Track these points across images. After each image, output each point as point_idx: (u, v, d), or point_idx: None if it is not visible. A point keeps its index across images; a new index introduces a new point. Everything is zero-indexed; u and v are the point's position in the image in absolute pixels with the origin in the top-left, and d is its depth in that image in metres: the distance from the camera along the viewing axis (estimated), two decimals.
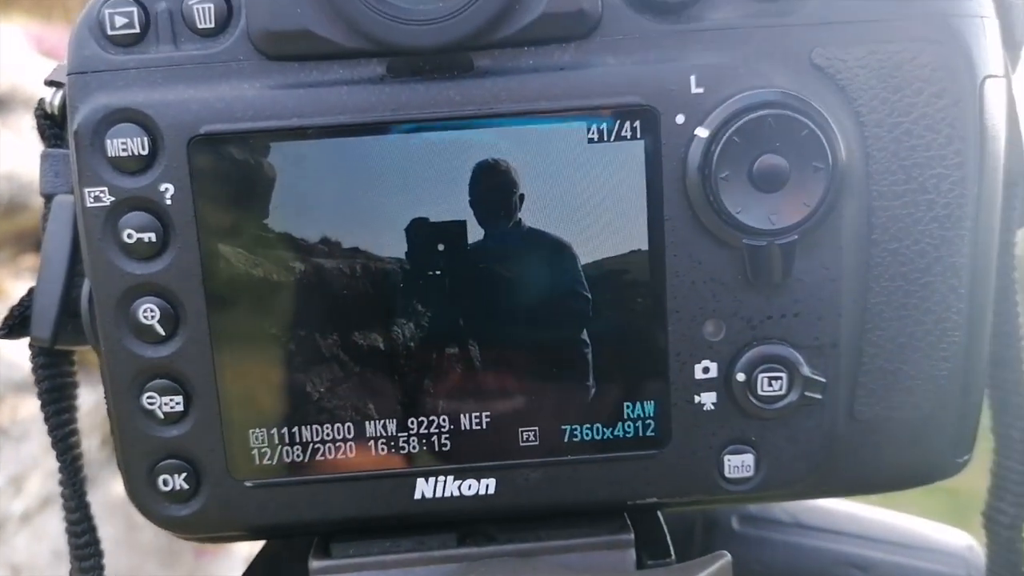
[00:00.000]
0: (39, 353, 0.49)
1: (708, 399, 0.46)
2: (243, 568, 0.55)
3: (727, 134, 0.43)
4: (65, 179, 0.48)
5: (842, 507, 0.69)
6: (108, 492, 3.12)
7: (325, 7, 0.42)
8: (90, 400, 2.34)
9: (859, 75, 0.45)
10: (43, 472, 2.55)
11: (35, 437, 2.48)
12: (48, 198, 0.48)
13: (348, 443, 0.47)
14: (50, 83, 0.49)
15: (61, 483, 0.50)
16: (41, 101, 0.48)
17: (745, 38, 0.44)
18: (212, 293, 0.45)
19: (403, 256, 0.45)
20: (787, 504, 0.67)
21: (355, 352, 0.46)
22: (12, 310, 0.49)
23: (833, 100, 0.44)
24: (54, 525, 2.73)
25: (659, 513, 0.52)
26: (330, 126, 0.43)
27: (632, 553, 0.49)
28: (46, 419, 0.49)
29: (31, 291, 0.49)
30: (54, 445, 0.50)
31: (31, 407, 2.53)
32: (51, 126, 0.49)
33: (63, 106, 0.48)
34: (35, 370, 0.49)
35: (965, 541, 0.73)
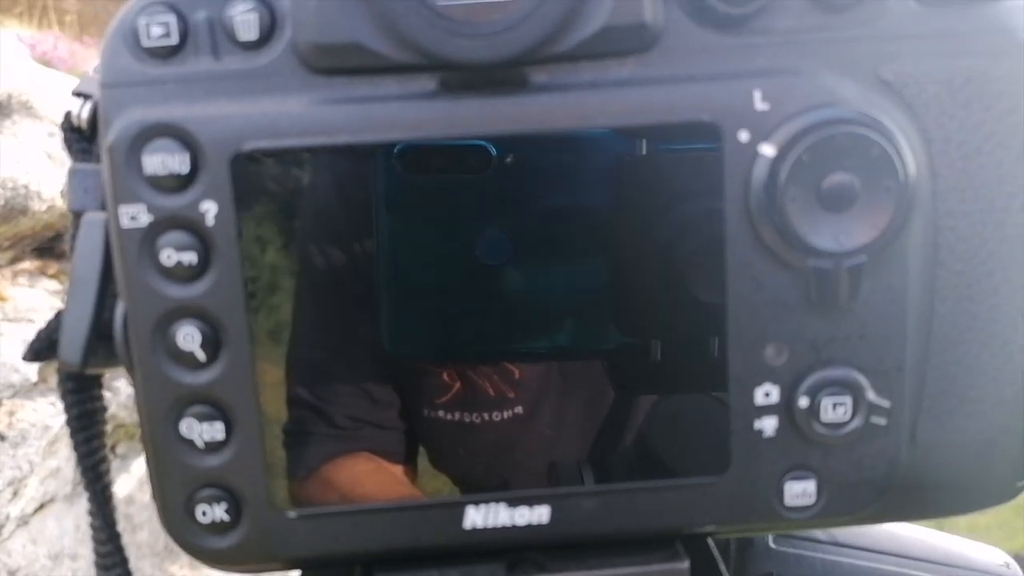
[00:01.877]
0: (68, 378, 0.47)
1: (769, 425, 0.44)
2: None
3: (795, 152, 0.41)
4: (95, 195, 0.46)
5: (881, 526, 0.67)
6: None
7: (377, 19, 0.40)
8: None
9: (927, 91, 0.43)
10: (40, 475, 2.53)
11: (33, 441, 2.46)
12: (77, 215, 0.46)
13: (395, 470, 0.45)
14: (78, 94, 0.46)
15: (90, 513, 0.48)
16: (68, 114, 0.46)
17: (810, 51, 0.43)
18: (255, 316, 0.43)
19: (450, 277, 0.43)
20: None
21: (389, 372, 0.44)
22: (39, 333, 0.47)
23: (900, 116, 0.42)
24: (51, 528, 2.71)
25: (709, 539, 0.51)
26: (380, 143, 0.42)
27: None
28: (75, 447, 0.47)
29: (59, 313, 0.46)
30: (84, 474, 0.48)
31: (29, 411, 2.51)
32: (79, 139, 0.47)
33: (92, 119, 0.46)
34: (63, 396, 0.47)
35: (1002, 559, 0.72)
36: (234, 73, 0.42)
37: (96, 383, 0.48)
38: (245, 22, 0.42)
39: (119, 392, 2.81)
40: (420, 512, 0.45)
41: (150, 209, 0.42)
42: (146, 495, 3.05)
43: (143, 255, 0.42)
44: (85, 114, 0.46)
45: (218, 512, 0.45)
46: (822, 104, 0.42)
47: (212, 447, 0.44)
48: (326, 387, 0.50)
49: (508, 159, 0.43)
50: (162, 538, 3.11)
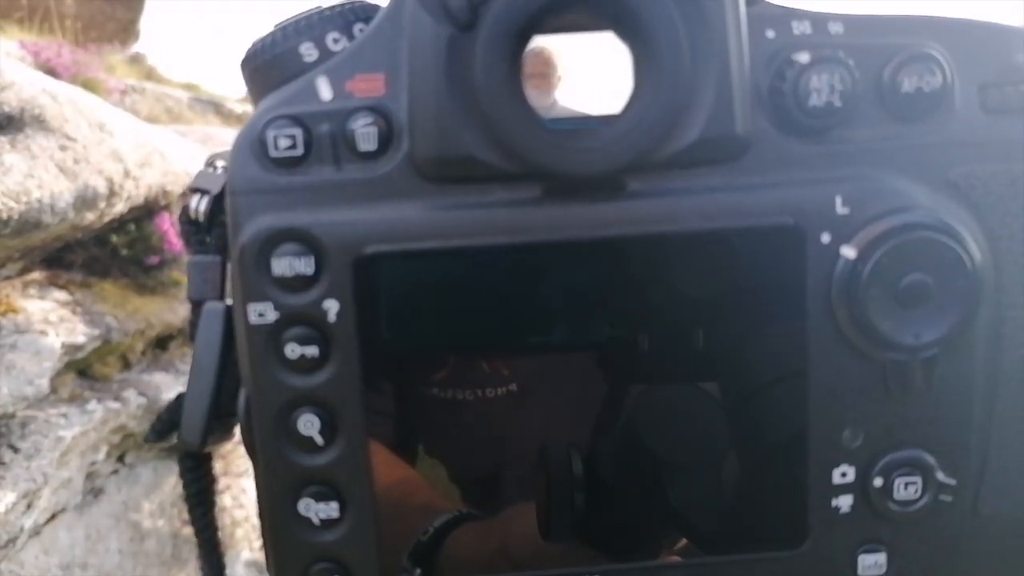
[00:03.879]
0: (187, 457, 0.50)
1: (845, 502, 0.48)
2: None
3: (876, 255, 0.44)
4: (213, 286, 0.49)
5: None
6: (113, 502, 3.13)
7: (488, 135, 0.43)
8: (99, 414, 2.32)
9: (992, 192, 0.46)
10: (53, 486, 2.55)
11: (45, 452, 2.48)
12: (196, 304, 0.49)
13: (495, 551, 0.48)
14: (195, 190, 0.49)
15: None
16: (185, 208, 0.49)
17: (886, 157, 0.46)
18: (370, 404, 0.46)
19: (561, 376, 0.46)
20: None
21: (502, 473, 0.47)
22: (160, 416, 0.50)
23: (967, 216, 0.46)
24: (63, 539, 2.73)
25: None
26: (490, 247, 0.45)
27: None
28: (193, 521, 0.50)
29: (180, 396, 0.49)
30: (201, 545, 0.51)
31: (42, 422, 2.53)
32: (196, 232, 0.50)
33: (209, 213, 0.49)
34: (183, 474, 0.50)
35: None
36: (354, 181, 0.45)
37: (209, 459, 0.51)
38: (365, 134, 0.45)
39: (129, 403, 2.84)
40: None
41: (276, 307, 0.45)
42: (152, 504, 3.07)
43: (269, 349, 0.45)
44: (203, 207, 0.48)
45: None
46: (899, 208, 0.45)
47: (327, 524, 0.47)
48: None
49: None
50: (169, 546, 3.13)
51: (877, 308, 0.45)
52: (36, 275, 2.70)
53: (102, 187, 2.57)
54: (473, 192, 0.45)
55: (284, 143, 0.45)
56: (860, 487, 0.48)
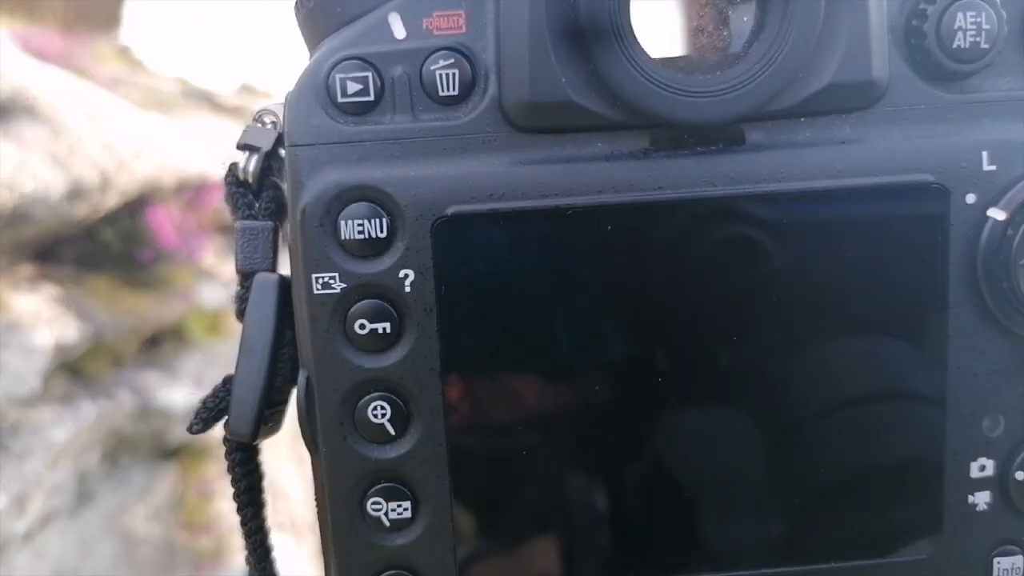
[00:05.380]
0: (237, 449, 0.44)
1: (982, 499, 0.42)
2: None
3: None
4: (264, 254, 0.43)
5: None
6: (107, 507, 3.05)
7: (591, 78, 0.38)
8: (91, 415, 2.26)
9: None
10: (45, 490, 2.47)
11: (38, 454, 2.41)
12: (246, 276, 0.43)
13: (578, 558, 0.42)
14: (244, 147, 0.43)
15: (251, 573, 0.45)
16: (233, 167, 0.43)
17: None
18: (450, 389, 0.40)
19: (671, 355, 0.40)
20: None
21: (603, 466, 0.42)
22: (205, 401, 0.44)
23: None
24: (55, 544, 2.65)
25: None
26: (591, 207, 0.39)
27: None
28: (243, 521, 0.44)
29: (226, 380, 0.43)
30: (248, 543, 0.45)
31: (34, 423, 2.45)
32: (243, 194, 0.44)
33: (259, 172, 0.43)
34: (231, 468, 0.44)
35: None
36: (434, 131, 0.39)
37: (258, 452, 0.45)
38: (446, 77, 0.39)
39: (123, 402, 2.76)
40: None
41: (343, 276, 0.39)
42: (146, 508, 2.99)
43: (334, 324, 0.40)
44: (252, 167, 0.42)
45: None
46: None
47: (398, 526, 0.41)
48: None
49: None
50: (164, 553, 3.05)
51: None
52: (27, 270, 2.63)
53: (95, 178, 2.50)
54: (569, 144, 0.39)
55: (353, 88, 0.39)
56: (999, 482, 0.42)
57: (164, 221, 2.88)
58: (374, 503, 0.41)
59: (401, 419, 0.40)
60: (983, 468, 0.42)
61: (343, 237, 0.39)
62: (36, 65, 2.70)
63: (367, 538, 0.41)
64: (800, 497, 0.42)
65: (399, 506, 0.41)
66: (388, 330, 0.39)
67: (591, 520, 0.43)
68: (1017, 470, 0.42)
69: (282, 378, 0.43)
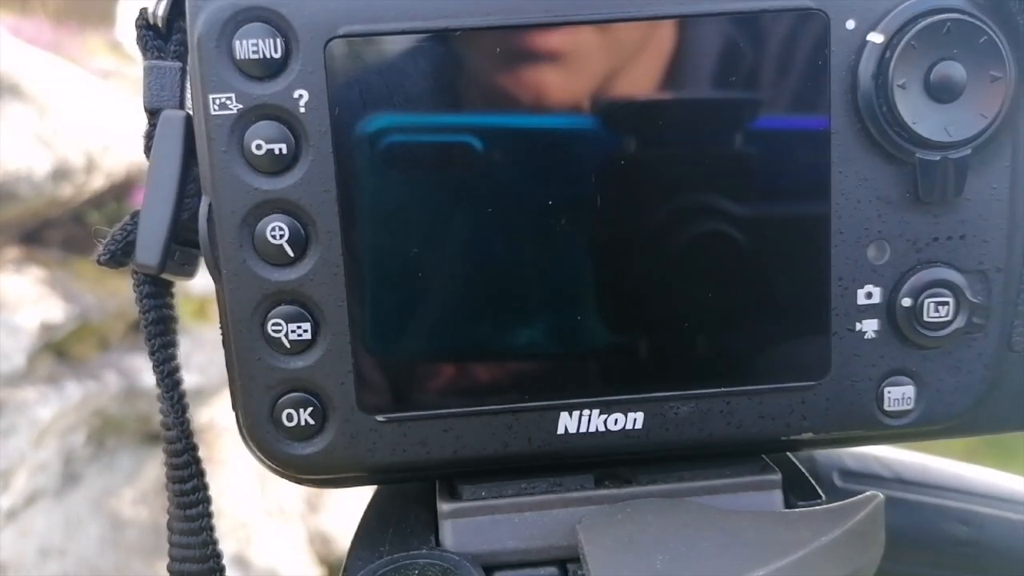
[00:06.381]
0: (144, 282, 0.45)
1: (870, 327, 0.43)
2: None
3: (904, 40, 0.40)
4: (172, 92, 0.44)
5: (943, 465, 0.66)
6: (93, 490, 3.05)
7: None
8: (77, 394, 2.27)
9: None
10: (30, 467, 2.48)
11: (23, 431, 2.42)
12: (153, 113, 0.44)
13: (489, 374, 0.43)
14: None
15: (164, 425, 0.46)
16: (143, 11, 0.45)
17: None
18: (347, 210, 0.41)
19: (561, 161, 0.41)
20: (888, 460, 0.65)
21: (503, 274, 0.43)
22: (113, 235, 0.45)
23: (1007, 5, 0.42)
24: (40, 522, 2.66)
25: (793, 458, 0.49)
26: (483, 28, 0.40)
27: (779, 494, 0.46)
28: (151, 352, 0.45)
29: (134, 215, 0.45)
30: (160, 381, 0.46)
31: (19, 401, 2.46)
32: (154, 37, 0.45)
33: (168, 16, 0.45)
34: (139, 300, 0.45)
35: None
36: None
37: (169, 291, 0.46)
38: None
39: (109, 384, 2.77)
40: (512, 416, 0.44)
41: (239, 97, 0.40)
42: (134, 491, 2.99)
43: (231, 146, 0.41)
44: (161, 11, 0.44)
45: (303, 416, 0.43)
46: None
47: (298, 348, 0.42)
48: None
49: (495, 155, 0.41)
50: (152, 537, 3.05)
51: (906, 100, 0.41)
52: (12, 253, 2.64)
53: (81, 160, 2.51)
54: None
55: None
56: (886, 309, 0.43)
57: None
58: (274, 324, 0.42)
59: (299, 241, 0.41)
60: (869, 296, 0.43)
61: (238, 57, 0.40)
62: (23, 47, 2.72)
63: (268, 360, 0.42)
64: (688, 321, 0.43)
65: (299, 327, 0.42)
66: (284, 151, 0.41)
67: (489, 336, 0.44)
68: (904, 297, 0.43)
69: (189, 213, 0.44)
